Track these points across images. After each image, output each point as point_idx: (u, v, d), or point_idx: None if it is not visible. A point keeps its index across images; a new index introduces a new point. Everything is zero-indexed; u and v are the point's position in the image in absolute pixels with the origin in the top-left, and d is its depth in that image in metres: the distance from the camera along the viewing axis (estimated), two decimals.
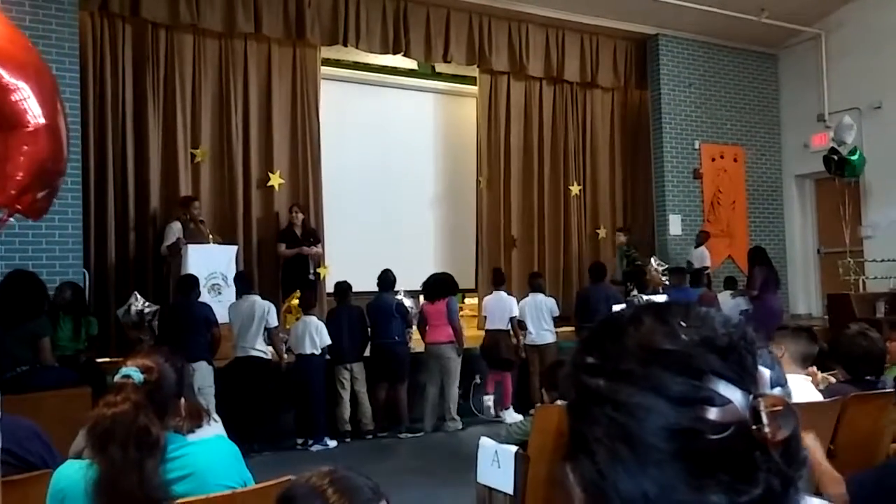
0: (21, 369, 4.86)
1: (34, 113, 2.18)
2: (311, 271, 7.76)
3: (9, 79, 2.17)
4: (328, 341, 6.38)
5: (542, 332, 7.44)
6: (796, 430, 0.60)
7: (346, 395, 6.58)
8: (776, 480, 0.58)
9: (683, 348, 0.61)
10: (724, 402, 0.58)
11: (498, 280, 7.67)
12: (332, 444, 6.35)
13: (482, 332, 7.54)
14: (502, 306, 7.31)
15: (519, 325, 7.35)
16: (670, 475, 0.58)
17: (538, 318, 7.45)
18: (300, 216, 7.84)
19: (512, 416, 6.75)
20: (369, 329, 6.82)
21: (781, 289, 9.11)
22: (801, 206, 10.92)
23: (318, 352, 6.35)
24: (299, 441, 6.35)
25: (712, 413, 0.58)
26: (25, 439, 2.05)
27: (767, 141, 10.89)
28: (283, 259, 7.79)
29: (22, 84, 2.19)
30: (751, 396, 0.60)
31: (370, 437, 6.60)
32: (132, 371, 1.80)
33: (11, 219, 2.35)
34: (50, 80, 2.47)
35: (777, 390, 0.56)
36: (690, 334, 0.62)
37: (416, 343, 7.24)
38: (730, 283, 9.03)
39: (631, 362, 0.62)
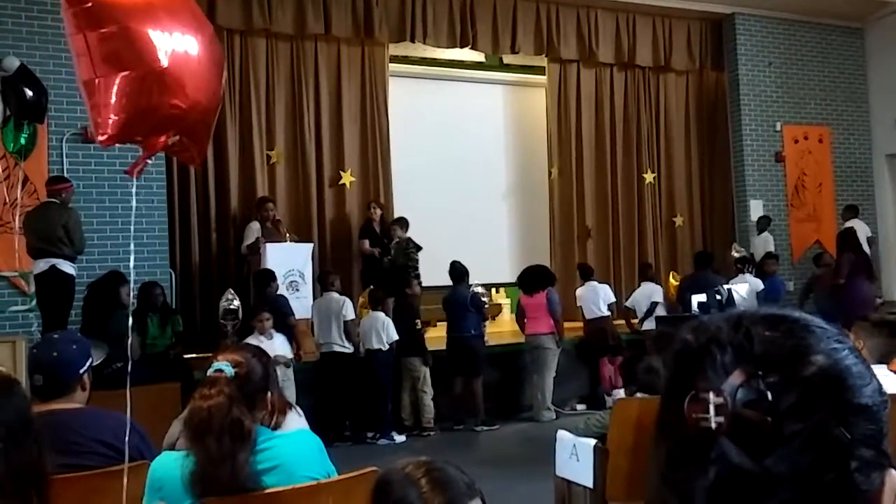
0: (115, 366, 5.12)
1: (160, 53, 2.22)
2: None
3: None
4: (395, 337, 6.43)
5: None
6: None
7: (405, 390, 6.66)
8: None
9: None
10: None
11: (586, 273, 7.97)
12: (400, 438, 6.41)
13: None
14: (597, 295, 7.61)
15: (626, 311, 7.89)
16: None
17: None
18: (378, 212, 7.94)
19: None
20: (418, 323, 6.82)
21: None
22: (894, 187, 10.33)
23: (384, 347, 6.42)
24: (369, 434, 6.45)
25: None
26: (124, 432, 2.15)
27: (855, 119, 10.34)
28: (362, 255, 7.90)
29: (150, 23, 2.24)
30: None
31: (445, 431, 6.66)
32: (224, 365, 1.86)
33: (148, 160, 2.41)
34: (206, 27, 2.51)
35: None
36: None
37: (491, 336, 7.27)
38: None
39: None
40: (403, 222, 7.70)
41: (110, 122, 2.15)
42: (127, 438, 2.06)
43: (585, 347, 7.72)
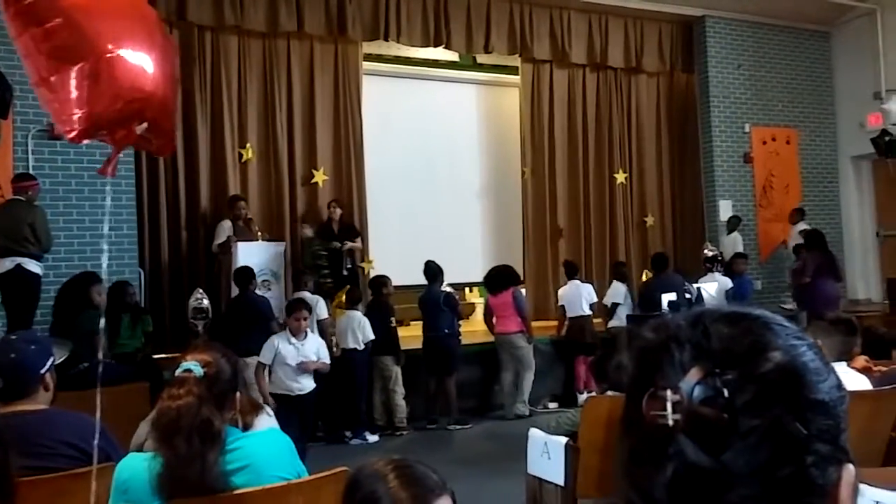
0: (82, 366, 5.03)
1: (109, 40, 2.18)
2: (346, 266, 7.78)
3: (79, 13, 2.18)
4: (371, 336, 6.41)
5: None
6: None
7: (376, 389, 6.66)
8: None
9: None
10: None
11: (571, 271, 7.97)
12: (373, 438, 6.40)
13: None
14: (580, 294, 7.66)
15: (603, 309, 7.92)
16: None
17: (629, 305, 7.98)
18: (338, 211, 7.87)
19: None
20: (393, 322, 6.82)
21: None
22: (858, 189, 10.55)
23: (360, 347, 6.40)
24: (347, 434, 6.43)
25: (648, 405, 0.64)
26: (89, 434, 2.12)
27: (821, 122, 10.54)
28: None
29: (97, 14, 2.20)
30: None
31: (419, 430, 6.66)
32: (193, 365, 1.85)
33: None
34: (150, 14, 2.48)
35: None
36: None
37: (464, 335, 7.28)
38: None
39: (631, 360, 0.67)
40: (308, 221, 7.60)
41: (75, 118, 2.12)
42: (96, 441, 2.03)
43: (564, 346, 7.77)
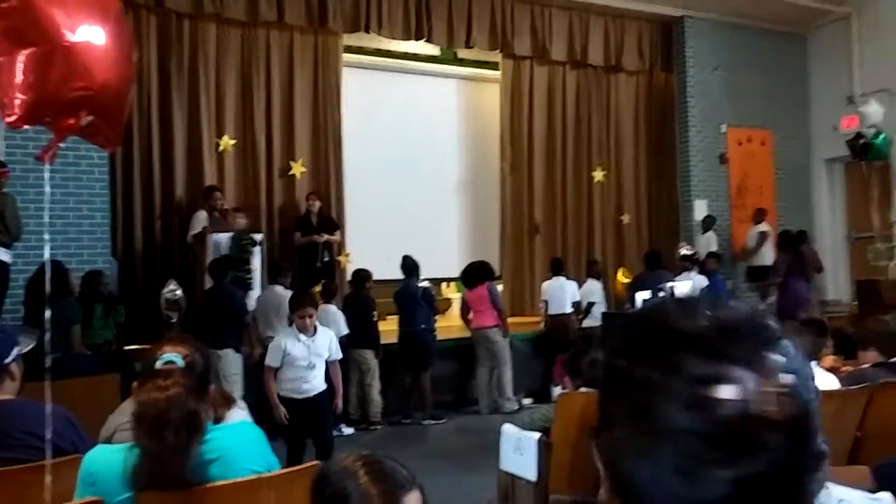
0: (53, 356, 4.96)
1: (65, 29, 2.13)
2: (321, 259, 7.74)
3: None
4: (345, 330, 6.36)
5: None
6: (806, 415, 0.63)
7: (352, 383, 6.60)
8: (786, 462, 0.61)
9: (701, 331, 0.65)
10: (735, 382, 0.62)
11: (558, 268, 7.96)
12: (349, 431, 6.39)
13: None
14: (564, 291, 7.68)
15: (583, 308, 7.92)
16: (681, 450, 0.61)
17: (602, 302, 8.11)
18: (317, 204, 7.84)
19: None
20: (375, 316, 6.81)
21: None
22: (830, 191, 10.72)
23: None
24: None
25: (724, 392, 0.61)
26: (58, 425, 2.09)
27: (796, 124, 10.68)
28: (299, 247, 7.84)
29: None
30: (760, 379, 0.63)
31: (393, 424, 6.66)
32: (175, 357, 1.83)
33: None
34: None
35: (790, 377, 0.58)
36: (708, 319, 0.66)
37: (440, 330, 7.29)
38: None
39: (652, 343, 0.66)
40: (241, 210, 7.16)
41: (17, 102, 2.06)
42: (49, 434, 1.99)
43: (545, 342, 7.78)
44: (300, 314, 4.57)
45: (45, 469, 1.98)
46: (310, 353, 4.57)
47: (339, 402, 4.81)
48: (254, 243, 6.94)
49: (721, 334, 0.65)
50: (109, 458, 1.81)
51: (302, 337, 4.55)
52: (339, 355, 4.79)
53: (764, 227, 9.36)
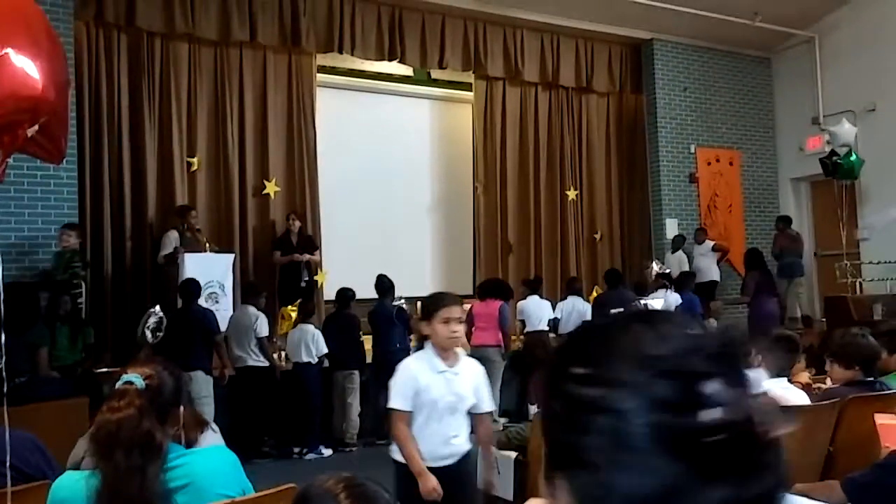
0: (19, 380, 4.85)
1: None
2: (304, 279, 7.74)
3: None
4: (324, 350, 6.36)
5: None
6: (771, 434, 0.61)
7: (336, 405, 6.58)
8: (771, 480, 0.60)
9: (674, 353, 0.61)
10: (716, 404, 0.59)
11: (534, 285, 8.04)
12: (327, 452, 6.33)
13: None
14: (541, 308, 7.70)
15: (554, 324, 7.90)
16: (674, 478, 0.58)
17: (578, 320, 7.96)
18: (297, 224, 7.85)
19: None
20: (360, 336, 6.79)
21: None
22: (798, 209, 10.94)
23: (314, 360, 6.34)
24: (296, 450, 6.33)
25: (705, 415, 0.58)
26: (25, 451, 2.04)
27: (762, 144, 10.92)
28: (279, 266, 7.80)
29: None
30: (743, 398, 0.61)
31: (368, 445, 6.59)
32: (134, 377, 1.80)
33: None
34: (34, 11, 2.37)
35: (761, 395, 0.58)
36: (680, 339, 0.63)
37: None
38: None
39: (623, 369, 0.61)
40: (76, 227, 6.37)
41: None
42: (9, 459, 1.94)
43: (521, 360, 7.70)
44: (444, 316, 2.83)
45: (13, 496, 1.93)
46: (449, 390, 2.89)
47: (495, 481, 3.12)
48: (86, 265, 6.33)
49: (693, 353, 0.62)
50: (77, 484, 1.77)
51: (439, 363, 2.87)
52: (492, 406, 3.32)
53: (707, 245, 9.58)
